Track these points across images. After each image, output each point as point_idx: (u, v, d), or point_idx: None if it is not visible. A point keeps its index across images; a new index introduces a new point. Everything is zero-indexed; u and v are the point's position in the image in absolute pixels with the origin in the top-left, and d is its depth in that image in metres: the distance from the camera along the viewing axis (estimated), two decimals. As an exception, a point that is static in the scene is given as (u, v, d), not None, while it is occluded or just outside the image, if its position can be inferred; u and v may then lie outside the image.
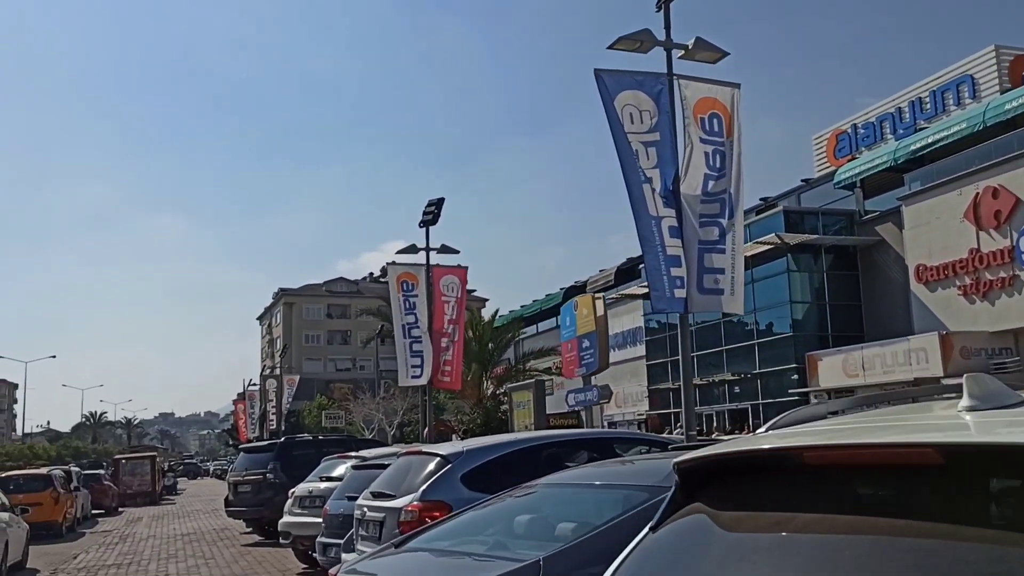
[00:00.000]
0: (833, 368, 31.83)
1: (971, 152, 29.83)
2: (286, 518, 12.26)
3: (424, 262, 21.38)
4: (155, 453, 45.46)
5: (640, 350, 46.77)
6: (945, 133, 30.78)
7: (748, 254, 36.21)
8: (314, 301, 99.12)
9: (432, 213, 21.39)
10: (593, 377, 16.22)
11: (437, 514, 6.41)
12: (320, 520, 11.29)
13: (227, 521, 23.89)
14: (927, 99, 40.19)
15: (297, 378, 52.83)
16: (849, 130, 45.94)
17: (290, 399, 49.32)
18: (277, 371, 56.68)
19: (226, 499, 17.87)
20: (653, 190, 10.54)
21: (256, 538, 17.69)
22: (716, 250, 10.44)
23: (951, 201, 29.55)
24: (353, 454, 12.79)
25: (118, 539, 19.96)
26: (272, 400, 48.89)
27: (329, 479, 12.15)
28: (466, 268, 21.61)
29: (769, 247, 33.96)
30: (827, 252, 34.46)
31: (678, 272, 10.48)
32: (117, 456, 44.00)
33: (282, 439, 17.92)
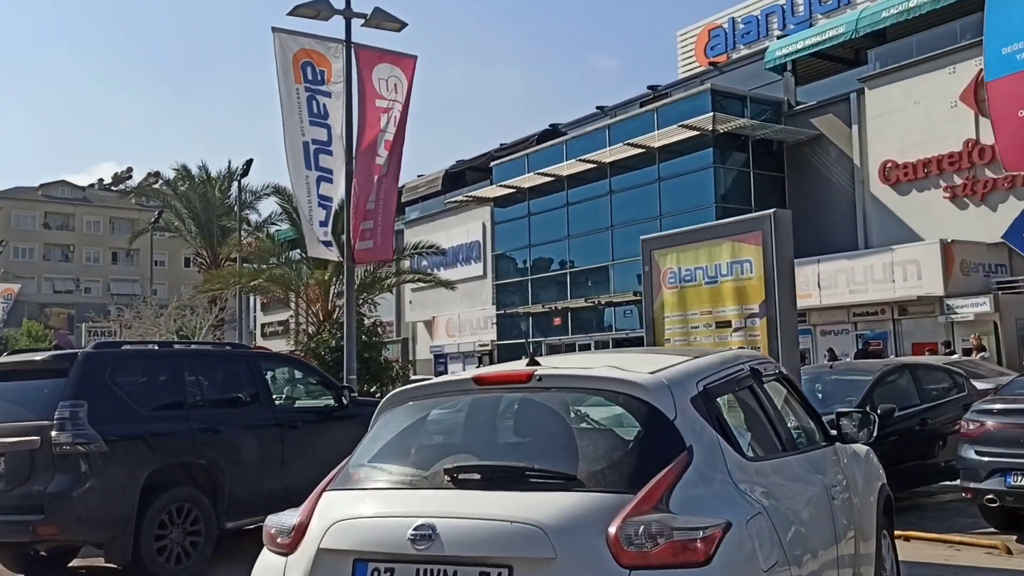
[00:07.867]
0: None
1: (963, 23, 24.14)
2: None
3: (342, 39, 11.72)
4: None
5: (477, 268, 38.51)
6: (934, -4, 24.81)
7: (665, 142, 29.08)
8: (27, 207, 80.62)
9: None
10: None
11: None
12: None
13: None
14: (830, -13, 34.90)
15: (17, 287, 39.02)
16: (726, 25, 39.94)
17: (5, 313, 35.96)
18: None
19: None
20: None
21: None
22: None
23: (939, 81, 23.82)
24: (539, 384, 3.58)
25: None
26: (-22, 316, 35.41)
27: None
28: (415, 58, 12.14)
29: (695, 133, 26.78)
30: (755, 146, 27.79)
31: None
32: None
33: (89, 346, 7.79)
